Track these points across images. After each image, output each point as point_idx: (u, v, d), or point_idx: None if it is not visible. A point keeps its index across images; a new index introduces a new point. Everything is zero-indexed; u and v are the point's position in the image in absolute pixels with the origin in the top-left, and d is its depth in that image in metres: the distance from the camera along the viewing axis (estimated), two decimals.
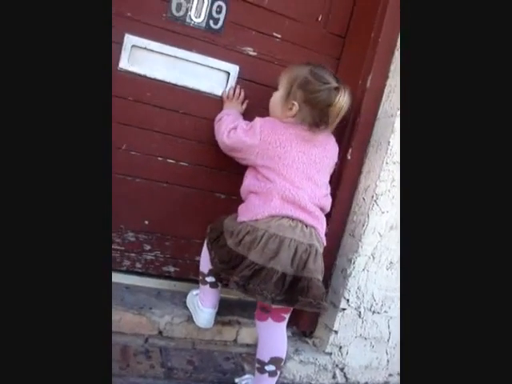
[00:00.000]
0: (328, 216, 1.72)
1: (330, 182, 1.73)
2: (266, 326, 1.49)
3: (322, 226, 1.50)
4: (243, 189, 1.56)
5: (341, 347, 1.77)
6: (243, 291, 1.37)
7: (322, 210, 1.51)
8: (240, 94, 1.68)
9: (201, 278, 1.65)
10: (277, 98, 1.55)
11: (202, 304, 1.65)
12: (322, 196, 1.52)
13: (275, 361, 1.48)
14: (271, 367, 1.48)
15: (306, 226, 1.44)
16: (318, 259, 1.41)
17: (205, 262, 1.61)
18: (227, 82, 1.69)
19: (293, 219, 1.42)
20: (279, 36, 1.74)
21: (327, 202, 1.55)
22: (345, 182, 1.72)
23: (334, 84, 1.47)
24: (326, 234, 1.68)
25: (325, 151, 1.53)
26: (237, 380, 1.60)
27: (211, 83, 1.68)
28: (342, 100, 1.46)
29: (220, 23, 1.66)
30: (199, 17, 1.64)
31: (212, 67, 1.67)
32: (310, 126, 1.49)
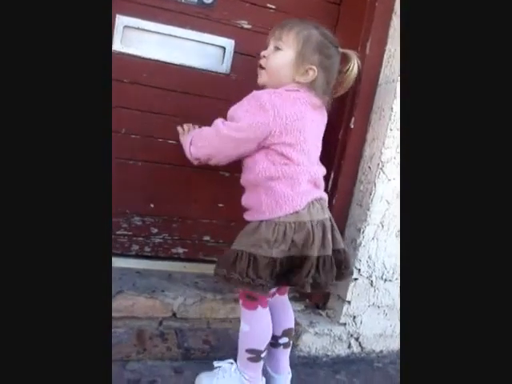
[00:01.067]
0: (334, 186, 1.72)
1: (334, 153, 1.72)
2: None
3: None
4: (255, 177, 1.33)
5: (354, 317, 1.77)
6: (314, 289, 1.32)
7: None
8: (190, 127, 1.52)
9: (252, 356, 1.40)
10: (285, 59, 1.35)
11: (256, 379, 1.43)
12: (322, 166, 1.46)
13: (288, 332, 1.48)
14: (285, 339, 1.48)
15: (324, 200, 1.41)
16: (336, 227, 1.42)
17: (258, 335, 1.41)
18: (223, 57, 1.66)
19: (317, 199, 1.36)
20: (273, 7, 1.70)
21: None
22: (349, 152, 1.70)
23: (344, 50, 1.41)
24: (333, 205, 1.69)
25: (324, 118, 1.46)
26: (216, 363, 1.49)
27: (208, 60, 1.65)
28: (355, 67, 1.40)
29: None
30: None
31: (207, 43, 1.64)
32: (322, 93, 1.37)
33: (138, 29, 1.56)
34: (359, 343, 1.81)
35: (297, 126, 1.30)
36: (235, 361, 1.44)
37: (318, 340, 1.73)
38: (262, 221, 1.31)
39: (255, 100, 1.29)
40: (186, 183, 1.72)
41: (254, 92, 1.32)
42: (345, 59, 1.41)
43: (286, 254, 1.29)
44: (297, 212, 1.30)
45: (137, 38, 1.57)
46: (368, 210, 1.65)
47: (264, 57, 1.39)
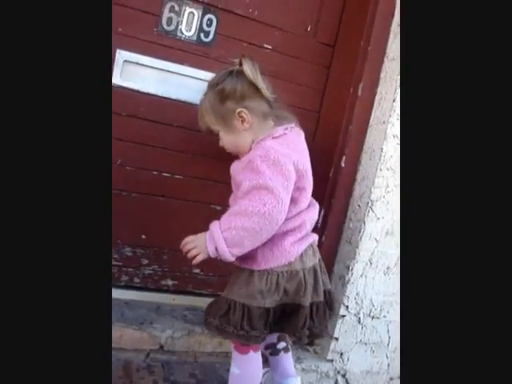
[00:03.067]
0: (324, 224, 1.75)
1: (325, 190, 1.76)
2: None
3: None
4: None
5: (342, 353, 1.78)
6: (310, 338, 1.37)
7: None
8: None
9: None
10: (224, 134, 1.36)
11: None
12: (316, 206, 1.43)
13: (283, 336, 1.47)
14: (282, 344, 1.47)
15: (315, 242, 1.40)
16: (324, 268, 1.42)
17: (248, 379, 1.39)
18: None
19: (310, 245, 1.35)
20: (269, 47, 1.75)
21: None
22: (340, 190, 1.74)
23: (235, 67, 1.32)
24: (322, 242, 1.72)
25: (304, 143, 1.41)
26: None
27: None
28: (249, 67, 1.29)
29: (211, 36, 1.67)
30: (190, 30, 1.65)
31: (204, 80, 1.65)
32: (274, 117, 1.34)
33: (137, 64, 1.60)
34: (346, 380, 1.82)
35: (303, 171, 1.28)
36: None
37: (305, 376, 1.73)
38: (253, 270, 1.28)
39: (269, 161, 1.21)
40: (177, 215, 1.74)
41: (257, 156, 1.23)
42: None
43: (277, 302, 1.29)
44: (290, 263, 1.29)
45: (136, 73, 1.61)
46: (357, 247, 1.68)
47: (223, 146, 1.40)
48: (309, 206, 1.37)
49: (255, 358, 1.38)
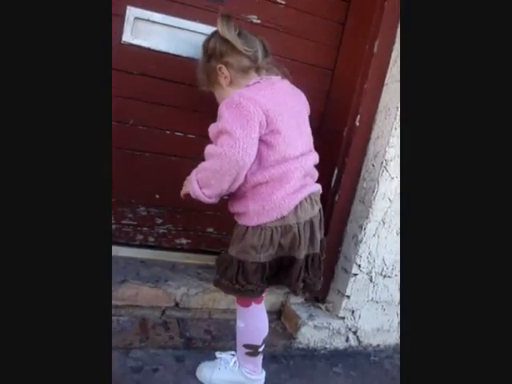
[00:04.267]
0: (338, 183, 1.74)
1: (339, 149, 1.74)
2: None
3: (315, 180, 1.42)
4: (243, 184, 1.28)
5: (353, 311, 1.80)
6: (305, 291, 1.40)
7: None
8: None
9: (249, 351, 1.44)
10: (216, 93, 1.43)
11: (256, 373, 1.48)
12: (313, 152, 1.40)
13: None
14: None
15: (315, 193, 1.38)
16: (323, 217, 1.44)
17: (253, 331, 1.44)
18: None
19: (308, 197, 1.34)
20: (283, 2, 1.70)
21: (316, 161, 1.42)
22: (354, 149, 1.72)
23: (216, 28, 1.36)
24: (335, 201, 1.72)
25: (301, 98, 1.43)
26: (218, 353, 1.53)
27: None
28: (222, 27, 1.33)
29: None
30: None
31: None
32: (256, 70, 1.37)
33: (148, 20, 1.57)
34: (357, 337, 1.85)
35: (274, 114, 1.26)
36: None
37: (317, 333, 1.76)
38: (248, 227, 1.30)
39: (231, 105, 1.24)
40: None
41: (224, 103, 1.27)
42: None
43: (274, 256, 1.32)
44: (283, 217, 1.29)
45: (147, 30, 1.57)
46: (370, 207, 1.68)
47: None
48: (301, 155, 1.33)
49: (258, 310, 1.43)
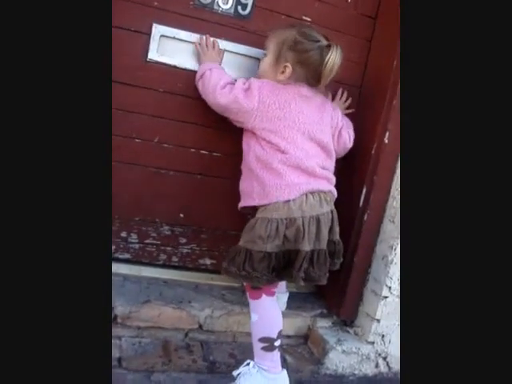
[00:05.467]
0: (366, 202, 1.69)
1: (367, 167, 1.69)
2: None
3: (332, 184, 1.51)
4: (247, 160, 1.48)
5: (383, 336, 1.73)
6: (308, 282, 1.43)
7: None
8: (215, 44, 1.58)
9: (265, 345, 1.44)
10: (266, 64, 1.51)
11: (275, 370, 1.45)
12: (327, 159, 1.51)
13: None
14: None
15: (325, 193, 1.45)
16: (336, 220, 1.49)
17: (267, 323, 1.46)
18: (258, 68, 1.65)
19: (314, 192, 1.42)
20: (309, 19, 1.69)
21: (332, 168, 1.54)
22: (382, 167, 1.67)
23: (325, 42, 1.45)
24: (364, 220, 1.67)
25: (325, 111, 1.53)
26: (235, 372, 1.48)
27: (242, 70, 1.64)
28: (334, 57, 1.43)
29: (248, 9, 1.62)
30: (227, 3, 1.60)
31: (242, 54, 1.64)
32: (308, 84, 1.49)
33: (174, 38, 1.56)
34: (387, 363, 1.77)
35: (277, 114, 1.43)
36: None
37: (346, 358, 1.70)
38: (257, 219, 1.40)
39: (250, 83, 1.46)
40: (216, 194, 1.71)
41: (252, 78, 1.49)
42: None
43: (281, 248, 1.38)
44: (288, 206, 1.37)
45: (173, 48, 1.57)
46: None
47: None
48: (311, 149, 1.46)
49: (270, 302, 1.46)
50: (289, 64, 1.45)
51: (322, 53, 1.43)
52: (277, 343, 1.45)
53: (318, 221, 1.40)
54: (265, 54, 1.52)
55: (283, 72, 1.46)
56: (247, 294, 1.48)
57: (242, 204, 1.52)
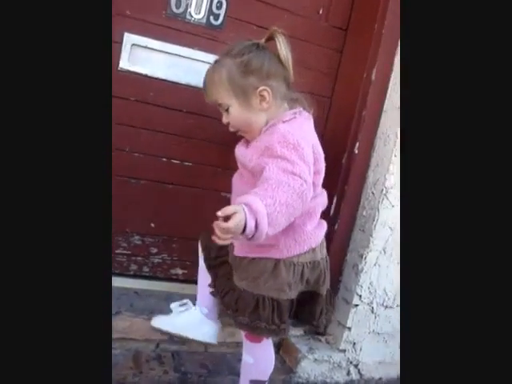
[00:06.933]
0: (337, 211, 1.71)
1: (337, 177, 1.72)
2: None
3: None
4: None
5: (354, 344, 1.75)
6: (324, 327, 1.41)
7: None
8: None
9: None
10: (236, 112, 1.23)
11: None
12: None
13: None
14: (267, 382, 1.42)
15: None
16: None
17: (262, 366, 1.38)
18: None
19: None
20: (280, 30, 1.70)
21: None
22: (353, 177, 1.69)
23: (261, 40, 1.25)
24: (335, 230, 1.69)
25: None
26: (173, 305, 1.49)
27: None
28: (284, 45, 1.23)
29: (220, 19, 1.63)
30: (199, 13, 1.60)
31: None
32: (289, 99, 1.27)
33: (145, 47, 1.56)
34: (358, 370, 1.79)
35: (318, 154, 1.24)
36: None
37: (317, 367, 1.70)
38: (278, 260, 1.22)
39: (288, 145, 1.12)
40: (187, 203, 1.70)
41: (275, 140, 1.14)
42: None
43: (301, 291, 1.28)
44: (313, 250, 1.26)
45: (145, 57, 1.56)
46: (371, 235, 1.64)
47: (228, 123, 1.29)
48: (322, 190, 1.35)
49: (268, 344, 1.36)
50: (261, 86, 1.20)
51: (269, 53, 1.24)
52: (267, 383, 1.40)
53: (327, 259, 1.35)
54: (226, 110, 1.25)
55: (262, 99, 1.21)
56: (243, 333, 1.32)
57: (258, 255, 1.24)
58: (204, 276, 1.47)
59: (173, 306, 1.54)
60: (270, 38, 1.25)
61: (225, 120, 1.29)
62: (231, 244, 1.29)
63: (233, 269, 1.33)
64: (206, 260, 1.43)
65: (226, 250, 1.36)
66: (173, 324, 1.53)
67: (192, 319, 1.52)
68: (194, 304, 1.54)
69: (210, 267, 1.42)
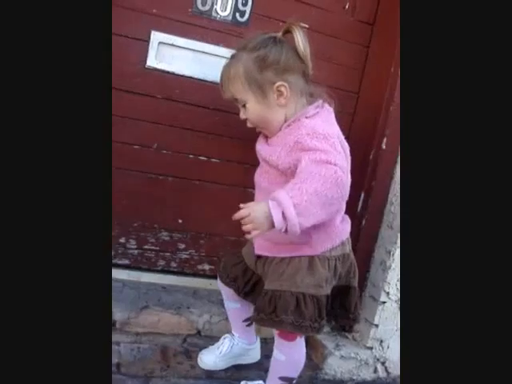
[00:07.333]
0: (365, 208, 1.70)
1: (365, 173, 1.70)
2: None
3: None
4: None
5: (382, 341, 1.73)
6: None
7: None
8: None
9: (283, 383, 1.35)
10: (256, 106, 1.22)
11: None
12: None
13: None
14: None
15: None
16: None
17: (293, 364, 1.35)
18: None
19: None
20: (307, 26, 1.68)
21: None
22: (380, 173, 1.68)
23: (278, 33, 1.22)
24: (362, 226, 1.68)
25: None
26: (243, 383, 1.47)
27: None
28: (301, 38, 1.20)
29: (246, 16, 1.63)
30: (225, 10, 1.61)
31: None
32: (308, 94, 1.25)
33: (172, 45, 1.57)
34: (385, 368, 1.77)
35: (343, 142, 1.23)
36: (264, 382, 1.43)
37: (344, 363, 1.69)
38: (312, 257, 1.21)
39: (319, 136, 1.12)
40: (214, 200, 1.72)
41: (304, 134, 1.14)
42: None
43: (334, 285, 1.28)
44: (343, 243, 1.25)
45: (171, 55, 1.58)
46: (399, 232, 1.62)
47: (246, 119, 1.28)
48: None
49: (301, 343, 1.33)
50: (278, 81, 1.19)
51: (287, 46, 1.21)
52: (295, 381, 1.37)
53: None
54: (243, 106, 1.25)
55: (280, 96, 1.20)
56: (276, 332, 1.30)
57: (290, 254, 1.23)
58: (232, 313, 1.53)
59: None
60: (287, 31, 1.23)
61: (242, 116, 1.28)
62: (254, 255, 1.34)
63: (262, 277, 1.33)
64: (239, 293, 1.41)
65: (250, 273, 1.37)
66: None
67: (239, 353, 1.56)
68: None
69: (246, 295, 1.41)
